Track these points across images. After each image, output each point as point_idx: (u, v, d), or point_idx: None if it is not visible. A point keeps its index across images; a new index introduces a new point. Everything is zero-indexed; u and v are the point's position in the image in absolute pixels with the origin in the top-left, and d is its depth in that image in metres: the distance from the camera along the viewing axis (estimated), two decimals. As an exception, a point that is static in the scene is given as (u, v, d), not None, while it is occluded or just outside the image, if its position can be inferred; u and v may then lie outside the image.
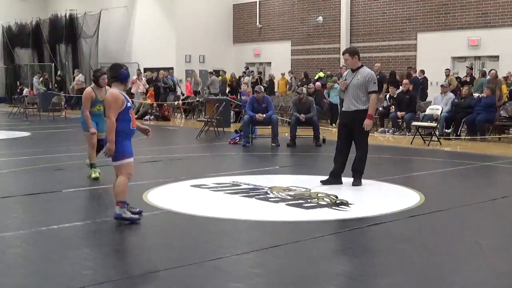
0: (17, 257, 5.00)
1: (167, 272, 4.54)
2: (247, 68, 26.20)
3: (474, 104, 14.57)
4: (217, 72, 24.11)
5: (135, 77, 22.45)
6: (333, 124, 17.44)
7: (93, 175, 8.54)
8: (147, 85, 22.53)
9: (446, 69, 19.07)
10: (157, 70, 23.53)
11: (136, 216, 6.06)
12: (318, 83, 18.24)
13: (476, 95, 15.38)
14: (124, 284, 4.32)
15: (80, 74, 26.57)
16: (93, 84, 8.78)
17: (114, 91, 6.01)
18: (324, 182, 8.12)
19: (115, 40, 29.23)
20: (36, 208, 6.95)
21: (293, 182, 8.39)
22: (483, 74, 18.05)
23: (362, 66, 8.20)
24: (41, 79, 27.05)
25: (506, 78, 17.49)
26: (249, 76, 24.18)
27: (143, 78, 22.94)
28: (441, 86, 15.83)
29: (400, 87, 16.22)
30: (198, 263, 4.72)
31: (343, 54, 8.33)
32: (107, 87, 8.05)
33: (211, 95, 22.04)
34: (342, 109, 8.30)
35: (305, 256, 5.05)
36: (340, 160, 8.22)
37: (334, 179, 8.15)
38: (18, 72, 32.39)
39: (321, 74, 21.65)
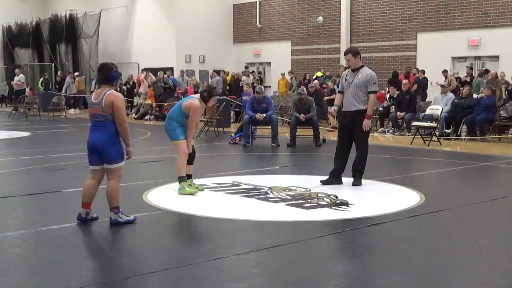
0: (17, 257, 5.00)
1: (167, 272, 4.54)
2: (247, 68, 26.18)
3: (474, 104, 14.57)
4: (217, 72, 24.10)
5: (142, 76, 22.48)
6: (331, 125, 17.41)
7: (194, 190, 7.55)
8: (150, 87, 22.44)
9: (443, 70, 19.06)
10: (157, 70, 23.52)
11: (132, 217, 6.01)
12: (316, 81, 18.20)
13: (474, 96, 15.39)
14: (124, 284, 4.32)
15: (21, 75, 26.37)
16: (199, 98, 7.69)
17: (119, 94, 5.99)
18: (324, 182, 8.12)
19: (115, 40, 29.23)
20: (36, 208, 6.95)
21: (293, 182, 8.39)
22: (480, 74, 17.98)
23: (362, 66, 8.21)
24: (41, 79, 27.06)
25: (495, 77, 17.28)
26: (248, 76, 24.17)
27: (149, 77, 22.80)
28: (441, 86, 15.83)
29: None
30: (198, 263, 4.72)
31: (345, 54, 8.30)
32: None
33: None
34: (342, 109, 8.30)
35: (305, 256, 5.05)
36: (340, 160, 8.22)
37: (334, 179, 8.15)
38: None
39: (319, 73, 21.65)
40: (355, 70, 8.12)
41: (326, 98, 17.90)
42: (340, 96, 8.36)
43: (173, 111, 7.69)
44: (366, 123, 7.99)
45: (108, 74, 5.97)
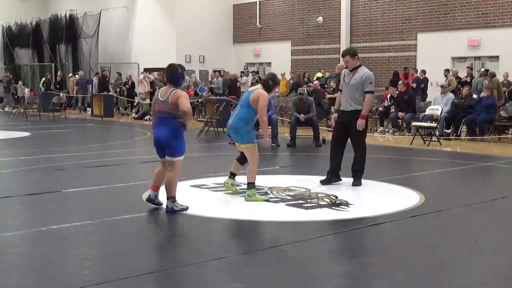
0: (17, 257, 4.99)
1: (167, 272, 4.54)
2: (246, 68, 26.15)
3: (476, 103, 14.57)
4: (219, 73, 24.10)
5: (141, 76, 22.48)
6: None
7: (265, 198, 7.19)
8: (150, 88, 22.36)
9: (445, 70, 19.07)
10: (157, 70, 23.50)
11: (185, 206, 6.45)
12: (316, 82, 18.22)
13: (474, 96, 15.37)
14: (124, 284, 4.32)
15: None
16: (262, 88, 7.32)
17: (183, 92, 6.39)
18: (323, 182, 8.12)
19: (115, 40, 29.21)
20: (36, 208, 6.94)
21: (293, 182, 8.39)
22: (481, 74, 17.90)
23: (360, 66, 8.21)
24: (43, 79, 27.08)
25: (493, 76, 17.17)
26: (248, 76, 24.16)
27: (148, 78, 22.75)
28: (441, 86, 15.83)
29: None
30: (198, 263, 4.72)
31: (343, 56, 8.25)
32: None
33: (211, 95, 22.05)
34: (340, 108, 8.30)
35: (305, 256, 5.05)
36: (336, 157, 8.22)
37: (333, 177, 8.16)
38: (18, 72, 32.37)
39: (319, 74, 21.66)
40: (353, 70, 8.13)
41: (328, 96, 17.92)
42: (340, 96, 8.36)
43: (243, 113, 7.23)
44: (360, 123, 7.99)
45: (171, 75, 6.45)
